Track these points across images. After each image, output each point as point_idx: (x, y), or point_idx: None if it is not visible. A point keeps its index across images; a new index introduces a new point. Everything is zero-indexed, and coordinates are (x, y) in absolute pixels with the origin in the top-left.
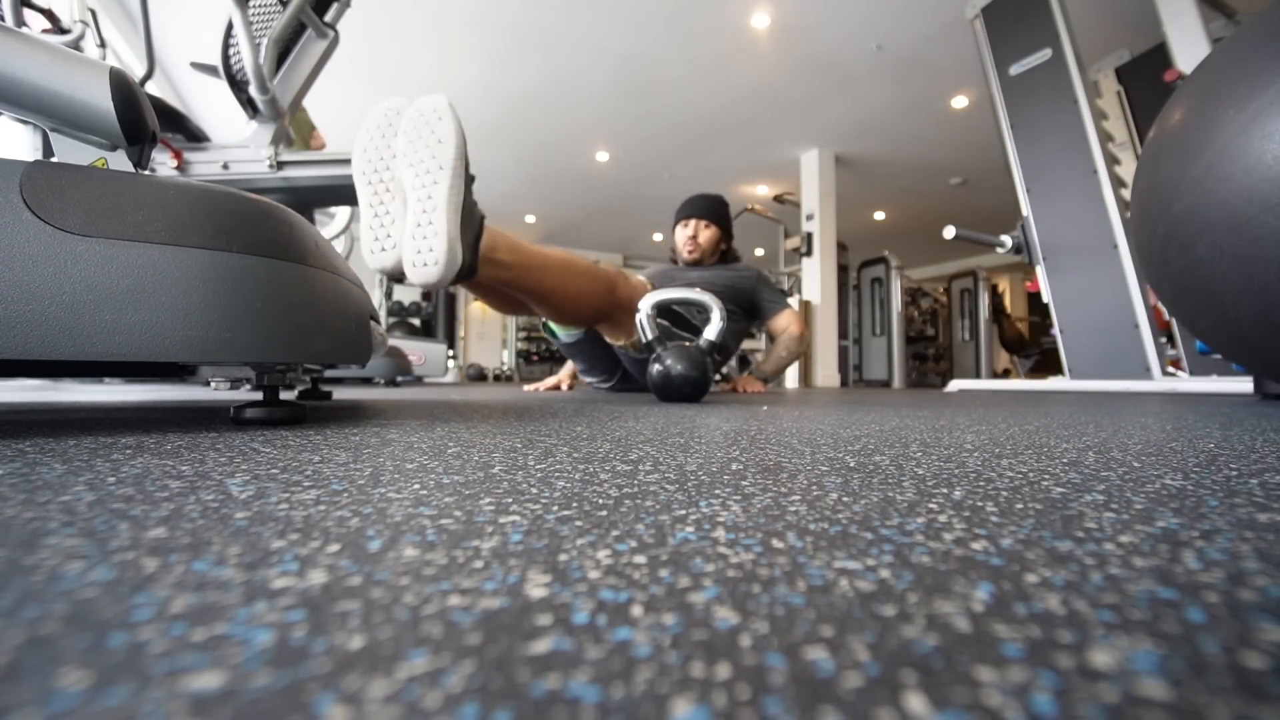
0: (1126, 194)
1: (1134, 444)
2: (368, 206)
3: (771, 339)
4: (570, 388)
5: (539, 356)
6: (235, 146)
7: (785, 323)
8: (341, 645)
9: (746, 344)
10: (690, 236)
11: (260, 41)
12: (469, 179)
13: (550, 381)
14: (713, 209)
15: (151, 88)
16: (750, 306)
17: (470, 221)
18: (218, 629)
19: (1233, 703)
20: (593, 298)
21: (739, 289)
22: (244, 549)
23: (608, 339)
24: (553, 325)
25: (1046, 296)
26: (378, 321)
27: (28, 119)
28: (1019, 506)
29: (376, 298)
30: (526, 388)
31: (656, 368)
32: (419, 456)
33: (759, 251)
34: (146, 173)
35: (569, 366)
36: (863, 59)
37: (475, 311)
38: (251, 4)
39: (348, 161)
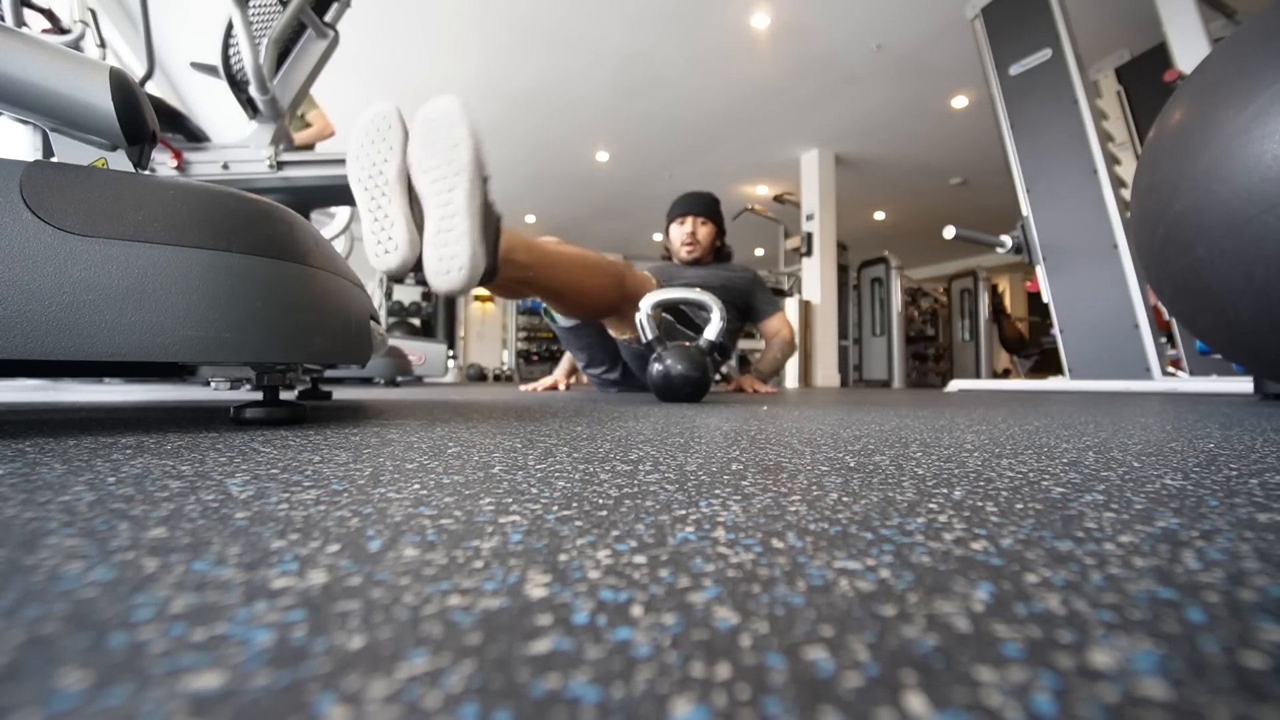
0: (1126, 194)
1: (1134, 444)
2: (366, 211)
3: (764, 338)
4: (567, 388)
5: (539, 356)
6: (235, 146)
7: (777, 326)
8: (341, 645)
9: (746, 343)
10: (689, 234)
11: (260, 41)
12: (485, 180)
13: (547, 382)
14: (708, 206)
15: (151, 88)
16: (745, 307)
17: (489, 224)
18: (218, 629)
19: (1233, 703)
20: (604, 292)
21: (735, 288)
22: (244, 549)
23: (612, 332)
24: (551, 310)
25: (1046, 296)
26: (378, 321)
27: (28, 119)
28: (1019, 506)
29: (376, 298)
30: (523, 388)
31: (657, 367)
32: (419, 456)
33: (759, 251)
34: (146, 173)
35: (564, 366)
36: (863, 59)
37: (475, 311)
38: (251, 4)
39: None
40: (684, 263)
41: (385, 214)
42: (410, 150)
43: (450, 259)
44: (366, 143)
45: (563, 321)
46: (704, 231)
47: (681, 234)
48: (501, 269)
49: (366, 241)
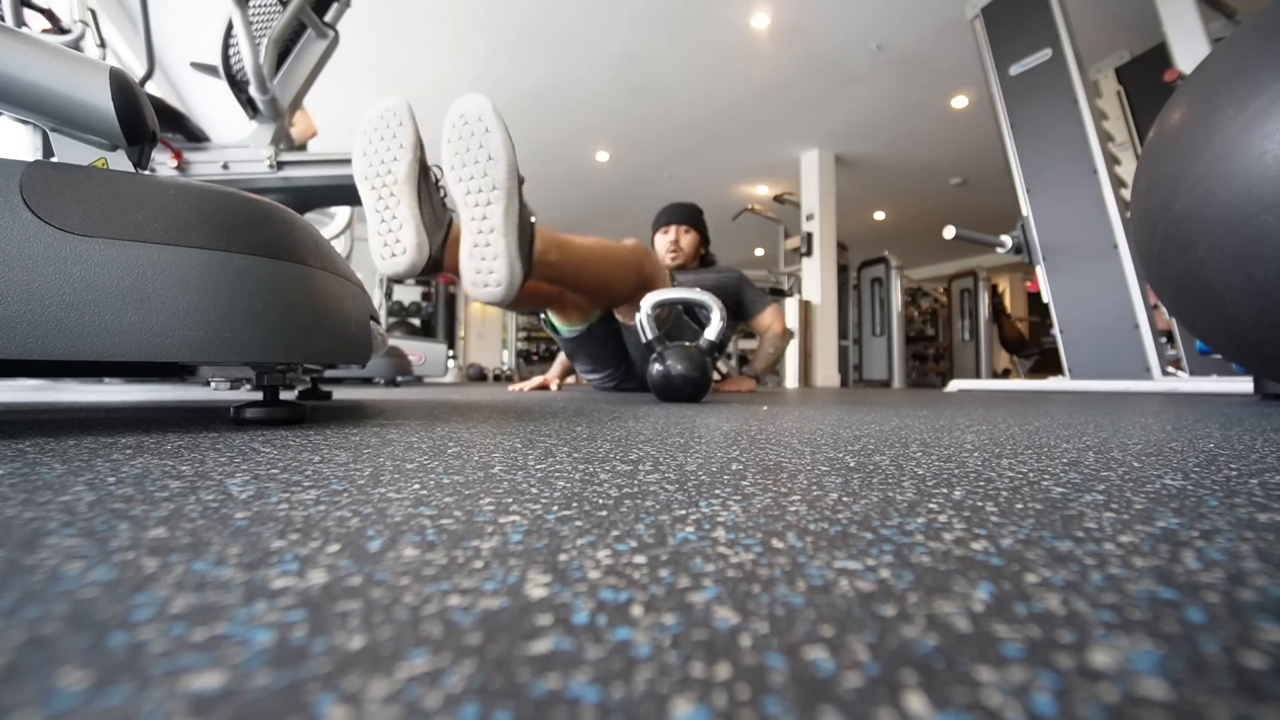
0: (1126, 194)
1: (1134, 444)
2: (373, 211)
3: (755, 335)
4: (559, 387)
5: (539, 356)
6: (235, 146)
7: (768, 321)
8: (341, 645)
9: (745, 343)
10: (672, 241)
11: (260, 41)
12: (520, 183)
13: (536, 381)
14: (690, 215)
15: (151, 88)
16: (735, 306)
17: (525, 235)
18: (218, 629)
19: (1233, 703)
20: (625, 284)
21: (724, 289)
22: (244, 549)
23: (622, 319)
24: (555, 321)
25: (1046, 296)
26: (378, 321)
27: (28, 119)
28: (1019, 506)
29: (376, 298)
30: (512, 388)
31: (657, 368)
32: (419, 456)
33: (759, 251)
34: (146, 173)
35: (557, 366)
36: (863, 59)
37: (475, 311)
38: (251, 4)
39: (347, 161)
40: (670, 269)
41: (393, 215)
42: (443, 153)
43: (488, 273)
44: (375, 138)
45: (566, 331)
46: (687, 239)
47: (665, 242)
48: (535, 270)
49: (372, 242)
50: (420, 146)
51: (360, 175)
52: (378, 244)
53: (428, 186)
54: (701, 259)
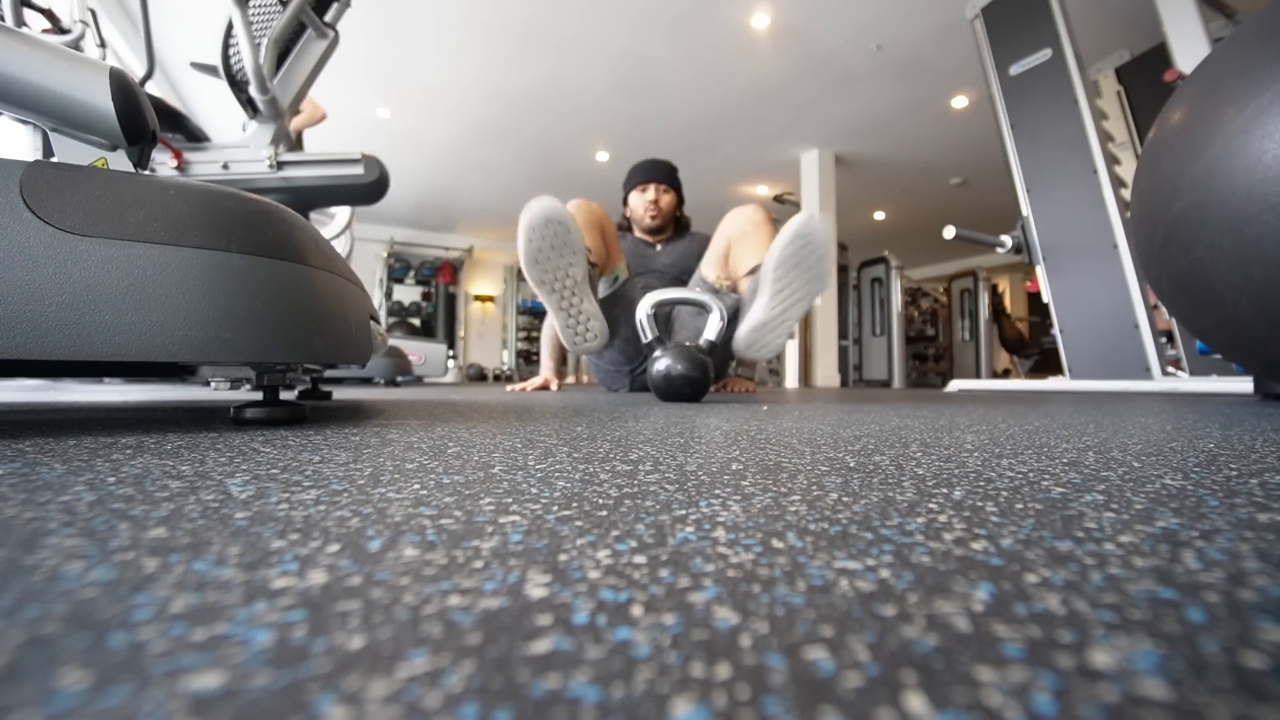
0: (1126, 194)
1: (1134, 444)
2: (558, 309)
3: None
4: (559, 387)
5: (539, 357)
6: (235, 146)
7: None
8: (341, 645)
9: None
10: (652, 201)
11: (260, 41)
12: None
13: (537, 381)
14: (669, 173)
15: (151, 88)
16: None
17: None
18: (218, 629)
19: (1233, 703)
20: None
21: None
22: (244, 549)
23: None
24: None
25: (1046, 296)
26: (378, 321)
27: (28, 119)
28: (1019, 506)
29: (376, 298)
30: (511, 388)
31: (657, 367)
32: (419, 456)
33: None
34: (146, 173)
35: (551, 363)
36: (863, 59)
37: (475, 311)
38: (251, 4)
39: (347, 161)
40: (646, 230)
41: (579, 310)
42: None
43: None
44: (545, 246)
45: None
46: (666, 199)
47: (644, 201)
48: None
49: (561, 330)
50: (585, 247)
51: (537, 280)
52: (569, 333)
53: (591, 275)
54: (676, 221)
